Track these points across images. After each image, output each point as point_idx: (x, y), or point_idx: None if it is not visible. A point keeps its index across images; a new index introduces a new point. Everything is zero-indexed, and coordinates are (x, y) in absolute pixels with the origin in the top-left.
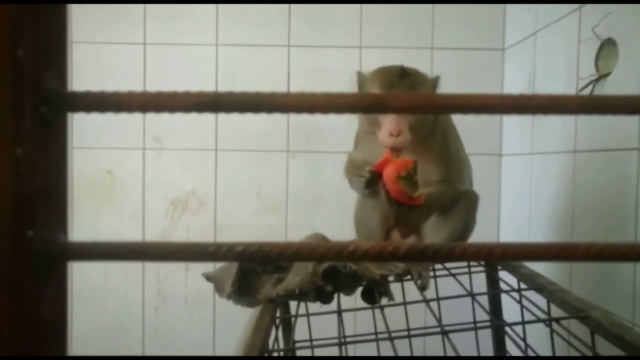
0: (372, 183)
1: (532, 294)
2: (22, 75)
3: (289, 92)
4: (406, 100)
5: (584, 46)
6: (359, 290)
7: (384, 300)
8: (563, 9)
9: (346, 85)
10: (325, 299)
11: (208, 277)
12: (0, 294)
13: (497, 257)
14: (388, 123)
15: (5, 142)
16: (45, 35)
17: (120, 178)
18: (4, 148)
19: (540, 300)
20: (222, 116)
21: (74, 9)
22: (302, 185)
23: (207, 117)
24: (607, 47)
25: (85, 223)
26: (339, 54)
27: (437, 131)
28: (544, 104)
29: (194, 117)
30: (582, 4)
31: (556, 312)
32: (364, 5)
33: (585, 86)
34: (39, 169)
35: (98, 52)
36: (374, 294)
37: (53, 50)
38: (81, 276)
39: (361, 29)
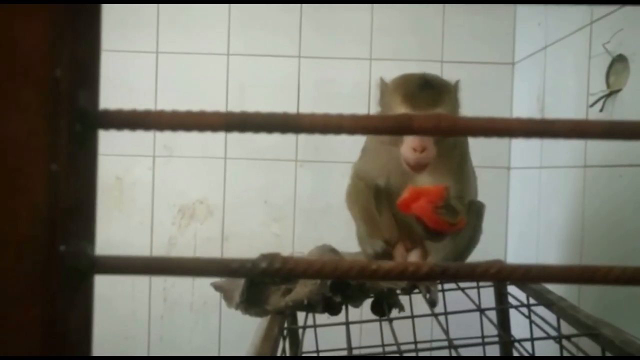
0: (383, 257)
1: (541, 310)
2: (60, 94)
3: (315, 113)
4: (429, 123)
5: (595, 62)
6: (367, 302)
7: (395, 312)
8: (573, 25)
9: (357, 96)
10: (334, 310)
11: (216, 287)
12: (32, 309)
13: (518, 278)
14: (412, 138)
15: (43, 158)
16: (80, 52)
17: (129, 185)
18: (41, 164)
19: (549, 316)
20: None
21: None
22: (309, 195)
23: None
24: (618, 63)
25: None
26: (350, 65)
27: (457, 147)
28: (567, 128)
29: None
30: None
31: (566, 328)
32: (375, 18)
33: (596, 102)
34: (72, 185)
35: (110, 59)
36: (383, 306)
37: (87, 67)
38: None
39: (372, 41)
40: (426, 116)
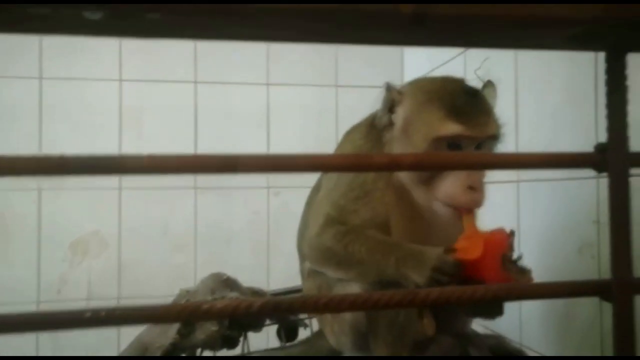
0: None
1: None
2: None
3: (141, 154)
4: (255, 162)
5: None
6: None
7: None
8: (451, 52)
9: (254, 120)
10: (232, 345)
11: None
12: None
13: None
14: (464, 174)
15: None
16: None
17: (12, 221)
18: None
19: None
20: (126, 152)
21: None
22: (211, 223)
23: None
24: (488, 88)
25: None
26: (247, 90)
27: None
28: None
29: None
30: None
31: None
32: (271, 43)
33: None
34: None
35: None
36: (280, 331)
37: None
38: None
39: (268, 66)
40: (253, 156)
